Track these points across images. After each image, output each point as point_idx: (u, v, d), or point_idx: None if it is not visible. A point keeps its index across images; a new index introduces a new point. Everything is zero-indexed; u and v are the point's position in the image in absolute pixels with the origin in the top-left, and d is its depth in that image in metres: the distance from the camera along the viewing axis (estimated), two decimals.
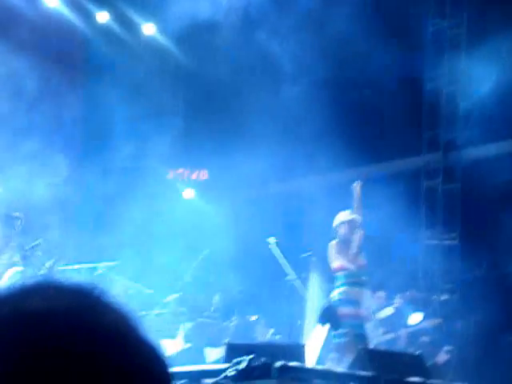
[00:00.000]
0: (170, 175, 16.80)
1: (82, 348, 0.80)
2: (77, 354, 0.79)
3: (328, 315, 9.41)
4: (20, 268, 9.16)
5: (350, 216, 9.68)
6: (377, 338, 10.84)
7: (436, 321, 12.10)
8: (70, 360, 0.79)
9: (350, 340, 9.12)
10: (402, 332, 11.45)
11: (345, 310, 9.30)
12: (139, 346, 0.85)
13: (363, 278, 9.62)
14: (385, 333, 11.25)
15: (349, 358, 8.75)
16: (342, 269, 9.45)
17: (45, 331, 0.80)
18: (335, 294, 9.43)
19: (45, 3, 14.04)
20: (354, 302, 9.35)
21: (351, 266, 9.42)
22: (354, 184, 9.92)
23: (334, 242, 9.62)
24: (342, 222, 9.63)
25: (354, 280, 9.43)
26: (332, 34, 13.22)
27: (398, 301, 11.86)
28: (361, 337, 9.19)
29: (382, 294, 11.76)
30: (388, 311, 11.52)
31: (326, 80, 13.74)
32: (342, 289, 9.40)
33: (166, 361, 0.87)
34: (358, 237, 9.54)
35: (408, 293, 12.24)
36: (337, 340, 9.28)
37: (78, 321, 0.82)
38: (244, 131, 13.91)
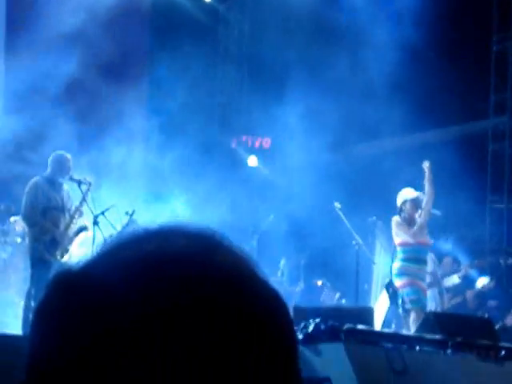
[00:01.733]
0: (234, 144, 16.87)
1: (211, 290, 0.81)
2: (207, 296, 0.80)
3: (387, 290, 9.47)
4: (90, 233, 9.35)
5: (413, 194, 9.64)
6: (444, 304, 10.82)
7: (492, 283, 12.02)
8: (201, 301, 0.80)
9: (410, 309, 9.16)
10: (469, 294, 11.40)
11: (401, 281, 9.32)
12: (262, 287, 0.86)
13: (424, 255, 9.60)
14: (451, 298, 11.22)
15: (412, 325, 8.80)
16: (402, 244, 9.45)
17: (176, 274, 0.81)
18: (394, 269, 9.45)
19: None
20: (412, 274, 9.35)
21: (412, 241, 9.41)
22: (425, 163, 9.78)
23: (397, 218, 9.60)
24: (406, 200, 9.60)
25: (414, 256, 9.42)
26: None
27: (464, 269, 11.80)
28: (419, 304, 9.21)
29: (448, 259, 11.70)
30: (455, 279, 11.46)
31: (402, 44, 13.58)
32: (399, 263, 9.40)
33: (285, 304, 0.88)
34: (421, 214, 9.49)
35: (476, 261, 12.15)
36: (400, 310, 9.33)
37: (205, 263, 0.83)
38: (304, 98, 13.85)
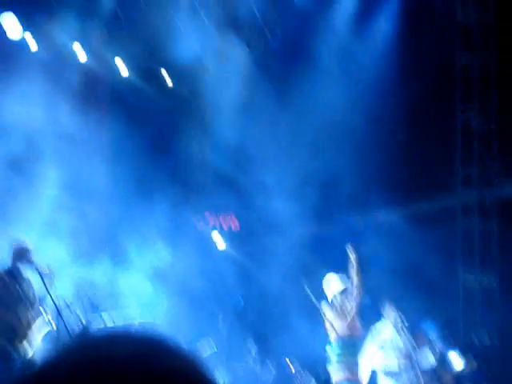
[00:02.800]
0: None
1: None
2: None
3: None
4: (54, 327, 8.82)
5: (342, 287, 9.24)
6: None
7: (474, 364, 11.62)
8: None
9: None
10: (447, 377, 10.92)
11: (340, 375, 9.01)
12: None
13: (358, 347, 9.32)
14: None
15: None
16: (337, 338, 9.11)
17: (123, 378, 0.86)
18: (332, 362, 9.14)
19: None
20: (350, 369, 9.04)
21: (347, 334, 9.07)
22: (349, 246, 9.28)
23: (327, 308, 9.23)
24: (335, 296, 9.25)
25: (350, 351, 9.10)
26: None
27: (439, 346, 11.33)
28: None
29: (420, 333, 11.19)
30: (430, 359, 10.96)
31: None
32: (336, 358, 9.08)
33: None
34: (353, 305, 9.11)
35: (450, 338, 11.72)
36: None
37: (150, 369, 0.87)
38: None
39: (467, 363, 11.46)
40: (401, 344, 10.16)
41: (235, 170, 14.52)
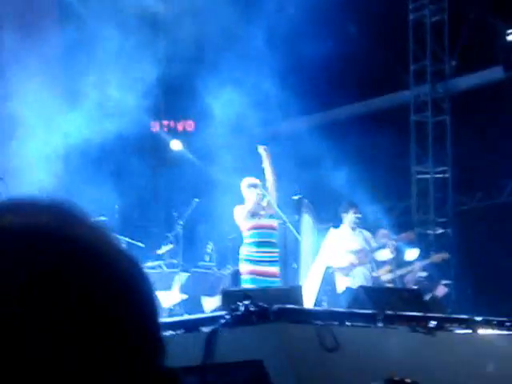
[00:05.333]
0: (155, 128, 16.53)
1: (56, 263, 0.78)
2: (50, 270, 0.78)
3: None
4: None
5: (249, 180, 9.88)
6: (377, 279, 10.78)
7: (440, 255, 12.04)
8: (43, 276, 0.78)
9: None
10: (402, 271, 11.37)
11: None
12: (119, 257, 0.84)
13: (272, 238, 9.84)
14: (385, 273, 11.15)
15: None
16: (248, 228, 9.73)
17: (19, 247, 0.79)
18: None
19: None
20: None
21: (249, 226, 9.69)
22: (260, 148, 9.97)
23: (238, 206, 9.86)
24: (244, 188, 9.87)
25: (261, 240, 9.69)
26: None
27: (392, 243, 11.67)
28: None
29: (383, 232, 11.59)
30: (386, 254, 11.36)
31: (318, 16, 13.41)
32: (247, 248, 9.72)
33: (143, 269, 0.86)
34: (255, 197, 9.73)
35: (403, 234, 12.09)
36: None
37: (53, 235, 0.81)
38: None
39: (420, 254, 11.89)
40: (353, 241, 10.64)
41: None
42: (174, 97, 15.60)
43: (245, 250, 9.82)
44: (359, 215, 10.77)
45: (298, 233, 10.35)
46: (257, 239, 9.74)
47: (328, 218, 10.89)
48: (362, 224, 10.91)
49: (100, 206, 10.71)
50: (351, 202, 10.96)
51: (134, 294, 0.83)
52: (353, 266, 10.56)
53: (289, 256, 10.41)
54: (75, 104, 12.87)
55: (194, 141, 15.69)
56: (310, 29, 13.13)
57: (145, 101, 13.40)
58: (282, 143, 13.49)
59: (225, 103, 12.88)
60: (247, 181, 9.95)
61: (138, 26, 13.61)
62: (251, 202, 9.77)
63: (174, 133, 16.31)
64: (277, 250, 9.86)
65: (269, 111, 13.63)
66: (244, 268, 9.77)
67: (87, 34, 13.33)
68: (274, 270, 9.78)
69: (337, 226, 10.70)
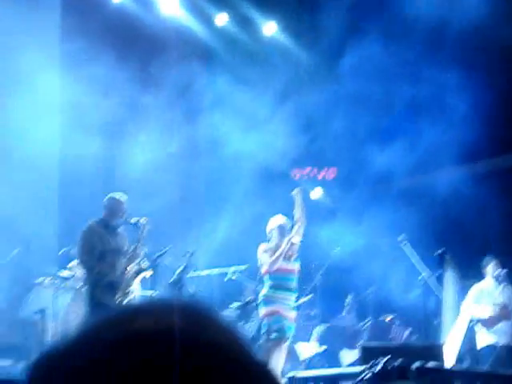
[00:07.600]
0: (296, 175, 16.58)
1: (192, 368, 0.80)
2: (187, 374, 0.80)
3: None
4: (149, 273, 9.23)
5: (279, 221, 9.35)
6: None
7: None
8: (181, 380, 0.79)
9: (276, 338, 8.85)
10: None
11: (265, 310, 9.04)
12: (251, 366, 0.84)
13: (289, 283, 9.18)
14: None
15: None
16: (266, 272, 9.17)
17: (155, 352, 0.80)
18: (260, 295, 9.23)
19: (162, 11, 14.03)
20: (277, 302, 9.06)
21: (270, 270, 9.08)
22: (294, 191, 9.53)
23: (263, 245, 9.30)
24: (273, 228, 9.33)
25: (279, 283, 9.10)
26: None
27: None
28: (282, 333, 8.87)
29: None
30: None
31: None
32: (265, 291, 9.13)
33: (278, 381, 0.86)
34: (285, 241, 9.14)
35: None
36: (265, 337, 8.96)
37: (188, 340, 0.82)
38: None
39: None
40: (497, 295, 10.36)
41: None
42: None
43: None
44: (500, 269, 10.48)
45: (440, 288, 10.18)
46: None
47: (473, 274, 10.65)
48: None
49: None
50: (492, 256, 10.73)
51: None
52: (495, 319, 10.24)
53: (430, 311, 10.23)
54: None
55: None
56: None
57: None
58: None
59: None
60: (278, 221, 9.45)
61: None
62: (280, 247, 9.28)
63: None
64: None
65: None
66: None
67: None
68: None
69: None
